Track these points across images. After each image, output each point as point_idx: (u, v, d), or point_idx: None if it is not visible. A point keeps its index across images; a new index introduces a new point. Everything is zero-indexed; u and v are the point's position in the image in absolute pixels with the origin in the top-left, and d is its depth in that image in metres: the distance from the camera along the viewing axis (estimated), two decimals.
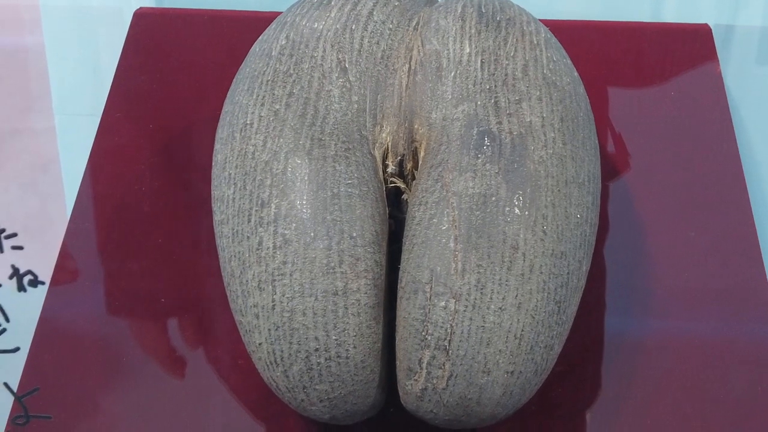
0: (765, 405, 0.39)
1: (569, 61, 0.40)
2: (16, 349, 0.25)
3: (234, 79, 0.40)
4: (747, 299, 0.42)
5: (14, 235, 0.23)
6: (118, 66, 0.51)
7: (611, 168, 0.47)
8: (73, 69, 0.57)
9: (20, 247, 0.23)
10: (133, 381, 0.40)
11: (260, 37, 0.41)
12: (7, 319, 0.23)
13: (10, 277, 0.23)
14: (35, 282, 0.23)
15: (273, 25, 0.40)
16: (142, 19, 0.54)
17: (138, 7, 0.54)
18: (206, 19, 0.54)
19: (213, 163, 0.38)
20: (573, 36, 0.52)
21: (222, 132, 0.38)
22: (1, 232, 0.22)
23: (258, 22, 0.50)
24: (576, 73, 0.40)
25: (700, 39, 0.53)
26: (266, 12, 0.53)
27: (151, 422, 0.39)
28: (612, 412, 0.39)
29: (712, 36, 0.53)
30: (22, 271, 0.23)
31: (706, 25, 0.53)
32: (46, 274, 0.43)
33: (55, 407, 0.38)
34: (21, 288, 0.23)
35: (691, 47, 0.53)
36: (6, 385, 0.26)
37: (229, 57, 0.50)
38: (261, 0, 0.55)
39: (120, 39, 0.53)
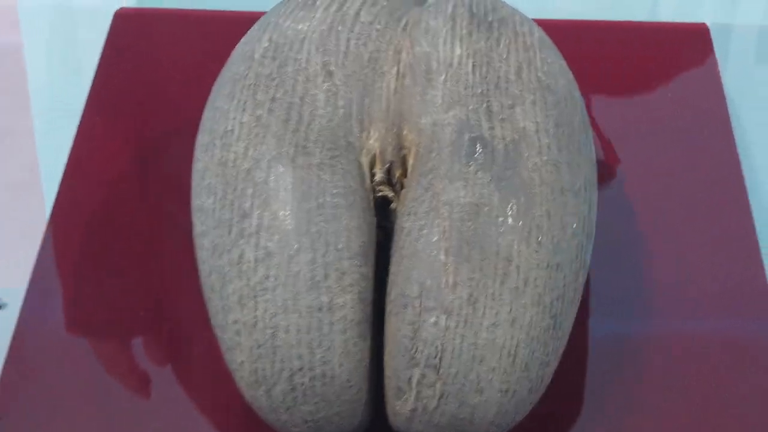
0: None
1: (564, 63, 0.38)
2: None
3: (215, 83, 0.38)
4: (746, 301, 0.41)
5: None
6: (98, 67, 0.50)
7: (606, 172, 0.46)
8: (52, 70, 0.56)
9: None
10: (113, 398, 0.38)
11: (242, 39, 0.39)
12: None
13: None
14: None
15: (255, 26, 0.39)
16: (123, 19, 0.52)
17: (119, 7, 0.53)
18: (189, 20, 0.52)
19: (193, 171, 0.37)
20: (567, 35, 0.51)
21: (202, 139, 0.37)
22: None
23: (243, 22, 0.49)
24: (571, 75, 0.38)
25: (697, 38, 0.52)
26: (251, 12, 0.51)
27: None
28: (608, 415, 0.38)
29: (710, 35, 0.52)
30: None
31: (704, 24, 0.52)
32: (23, 279, 0.42)
33: (28, 424, 0.36)
34: None
35: (688, 47, 0.52)
36: None
37: (213, 58, 0.48)
38: (246, 0, 0.53)
39: (101, 40, 0.51)
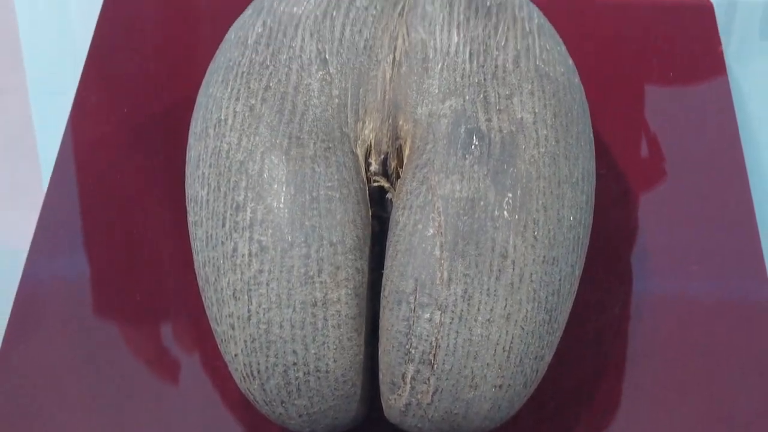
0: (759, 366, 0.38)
1: (564, 49, 0.38)
2: None
3: (208, 69, 0.38)
4: (740, 262, 0.41)
5: None
6: (91, 45, 0.49)
7: (606, 152, 0.46)
8: (48, 47, 0.55)
9: None
10: (106, 380, 0.38)
11: (235, 23, 0.38)
12: None
13: None
14: None
15: (249, 10, 0.38)
16: None
17: None
18: None
19: (187, 159, 0.36)
20: (567, 13, 0.50)
21: (196, 126, 0.36)
22: None
23: (240, 1, 0.48)
24: (571, 62, 0.38)
25: (701, 16, 0.51)
26: None
27: (126, 427, 0.37)
28: (606, 376, 0.38)
29: (713, 13, 0.51)
30: None
31: (708, 0, 0.51)
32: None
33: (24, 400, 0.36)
34: None
35: (691, 25, 0.51)
36: None
37: (209, 37, 0.48)
38: None
39: (94, 15, 0.51)
